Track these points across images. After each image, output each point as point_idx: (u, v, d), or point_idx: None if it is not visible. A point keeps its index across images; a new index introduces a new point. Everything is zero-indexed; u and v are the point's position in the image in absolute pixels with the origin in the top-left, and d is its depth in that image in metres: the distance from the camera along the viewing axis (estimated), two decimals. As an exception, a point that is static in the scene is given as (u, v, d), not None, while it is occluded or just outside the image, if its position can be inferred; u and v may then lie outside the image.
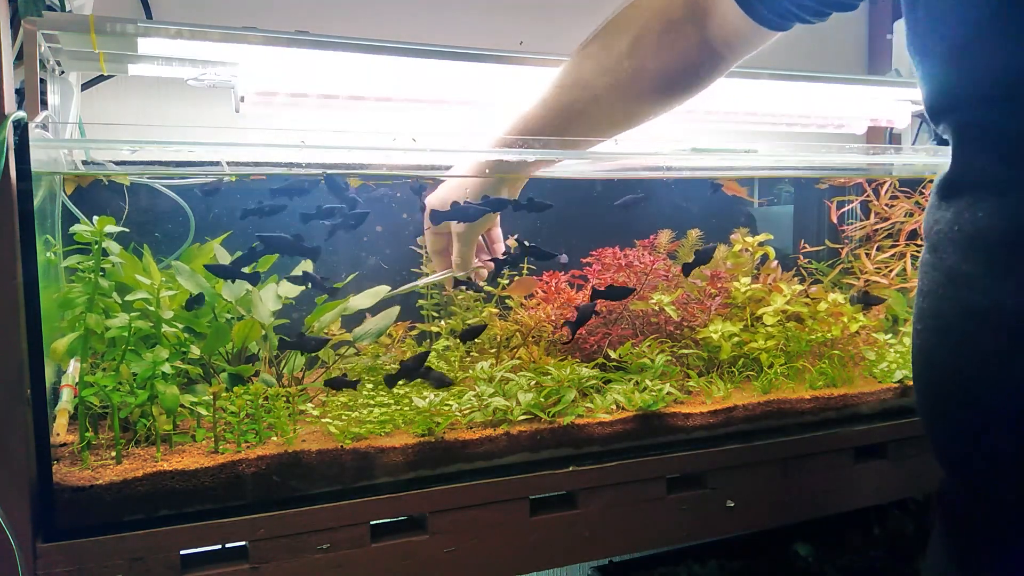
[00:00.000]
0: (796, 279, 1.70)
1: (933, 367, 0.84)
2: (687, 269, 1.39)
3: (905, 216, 1.77)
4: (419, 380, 1.22)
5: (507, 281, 1.54)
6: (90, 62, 1.28)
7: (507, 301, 1.54)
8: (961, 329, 0.79)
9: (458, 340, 1.37)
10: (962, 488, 0.85)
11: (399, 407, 1.20)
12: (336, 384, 1.16)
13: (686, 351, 1.45)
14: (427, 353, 1.19)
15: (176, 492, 1.01)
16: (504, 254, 1.33)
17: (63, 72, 1.32)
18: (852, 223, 1.86)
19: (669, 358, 1.38)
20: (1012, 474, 0.77)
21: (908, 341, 1.59)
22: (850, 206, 1.88)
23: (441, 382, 1.18)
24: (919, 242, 1.75)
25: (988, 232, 0.75)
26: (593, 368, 1.35)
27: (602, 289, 1.32)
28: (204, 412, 1.11)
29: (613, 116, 1.17)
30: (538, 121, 1.18)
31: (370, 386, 1.28)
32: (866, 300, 1.56)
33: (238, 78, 1.30)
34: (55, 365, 1.11)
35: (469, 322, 1.51)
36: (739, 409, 1.34)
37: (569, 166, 1.35)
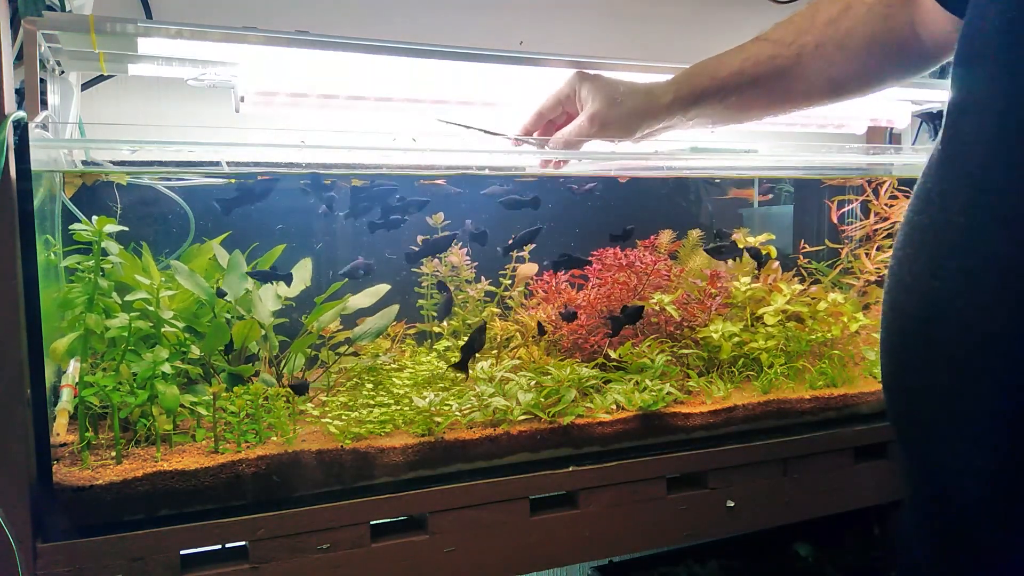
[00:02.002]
0: (796, 279, 1.69)
1: (902, 306, 0.80)
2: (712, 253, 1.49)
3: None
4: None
5: (510, 281, 1.54)
6: (90, 62, 1.28)
7: (508, 301, 1.55)
8: (931, 252, 0.76)
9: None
10: (928, 482, 0.82)
11: (399, 407, 1.20)
12: (298, 389, 1.17)
13: (686, 351, 1.45)
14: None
15: (176, 492, 1.01)
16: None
17: (63, 72, 1.32)
18: (852, 223, 1.86)
19: (669, 358, 1.38)
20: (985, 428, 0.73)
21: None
22: (850, 207, 1.88)
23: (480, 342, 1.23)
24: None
25: (971, 148, 0.73)
26: (593, 368, 1.35)
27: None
28: (204, 412, 1.11)
29: (812, 80, 1.13)
30: (731, 70, 1.14)
31: (370, 386, 1.28)
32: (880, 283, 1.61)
33: (238, 78, 1.30)
34: (55, 365, 1.11)
35: (470, 322, 1.51)
36: (739, 409, 1.34)
37: (569, 165, 1.35)
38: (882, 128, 2.12)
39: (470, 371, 1.29)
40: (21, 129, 0.91)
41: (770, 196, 2.01)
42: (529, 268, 1.54)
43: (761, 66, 1.13)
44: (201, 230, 1.38)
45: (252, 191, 1.21)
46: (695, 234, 1.65)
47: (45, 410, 0.96)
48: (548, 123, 1.28)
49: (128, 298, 1.09)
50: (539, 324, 1.40)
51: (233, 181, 1.23)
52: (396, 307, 1.41)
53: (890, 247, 1.76)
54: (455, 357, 1.40)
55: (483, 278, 1.56)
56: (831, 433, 1.38)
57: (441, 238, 1.37)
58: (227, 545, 1.04)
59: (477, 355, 1.43)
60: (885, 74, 1.12)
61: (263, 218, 1.42)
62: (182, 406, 1.11)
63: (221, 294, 1.21)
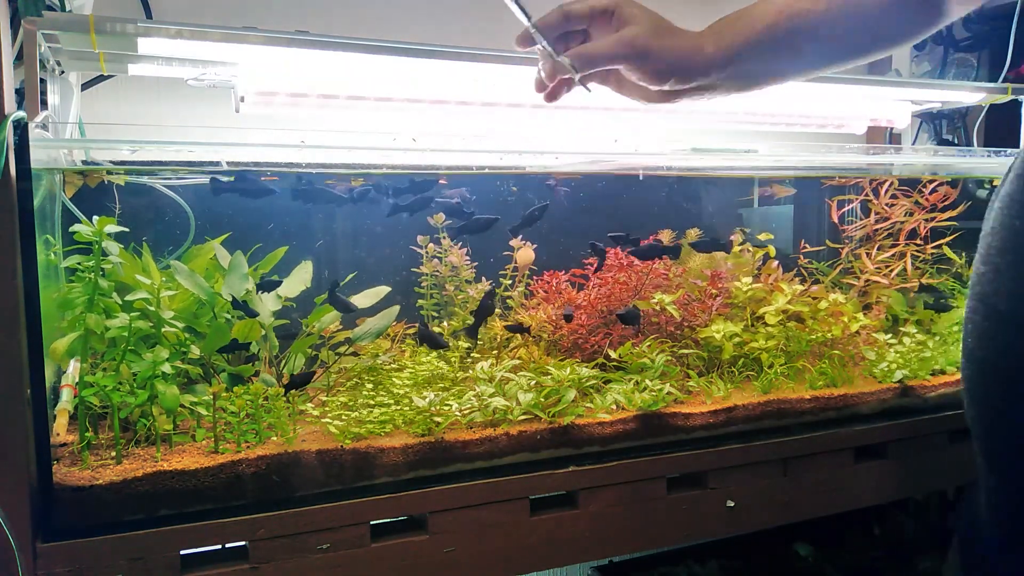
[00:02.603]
0: (797, 279, 1.69)
1: (1003, 315, 0.80)
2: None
3: (905, 216, 1.77)
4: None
5: (510, 282, 1.54)
6: (90, 62, 1.28)
7: (508, 301, 1.55)
8: None
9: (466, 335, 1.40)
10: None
11: (399, 407, 1.20)
12: (295, 384, 1.17)
13: (686, 351, 1.45)
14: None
15: (176, 492, 1.01)
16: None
17: (63, 72, 1.32)
18: (853, 221, 1.86)
19: (669, 358, 1.38)
20: None
21: (908, 341, 1.59)
22: (850, 206, 1.88)
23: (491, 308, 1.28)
24: (918, 242, 1.76)
25: None
26: (593, 368, 1.35)
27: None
28: (204, 412, 1.11)
29: (844, 37, 1.08)
30: (766, 23, 1.06)
31: (370, 386, 1.28)
32: (937, 307, 1.67)
33: (238, 78, 1.30)
34: (55, 365, 1.11)
35: (469, 323, 1.51)
36: (739, 409, 1.34)
37: (569, 165, 1.35)
38: (882, 128, 2.12)
39: (471, 370, 1.29)
40: (21, 129, 0.91)
41: (794, 191, 2.01)
42: (527, 254, 1.54)
43: (794, 20, 1.05)
44: (202, 230, 1.38)
45: (246, 180, 1.21)
46: (694, 233, 1.65)
47: (45, 410, 0.96)
48: (563, 34, 1.06)
49: (128, 298, 1.09)
50: (518, 324, 1.40)
51: (232, 179, 1.23)
52: (396, 308, 1.41)
53: (891, 247, 1.76)
54: (455, 357, 1.40)
55: (483, 278, 1.56)
56: (831, 433, 1.38)
57: (482, 219, 1.36)
58: (227, 545, 1.04)
59: (477, 355, 1.43)
60: (906, 24, 1.08)
61: (263, 218, 1.42)
62: (182, 406, 1.11)
63: (251, 313, 1.22)
